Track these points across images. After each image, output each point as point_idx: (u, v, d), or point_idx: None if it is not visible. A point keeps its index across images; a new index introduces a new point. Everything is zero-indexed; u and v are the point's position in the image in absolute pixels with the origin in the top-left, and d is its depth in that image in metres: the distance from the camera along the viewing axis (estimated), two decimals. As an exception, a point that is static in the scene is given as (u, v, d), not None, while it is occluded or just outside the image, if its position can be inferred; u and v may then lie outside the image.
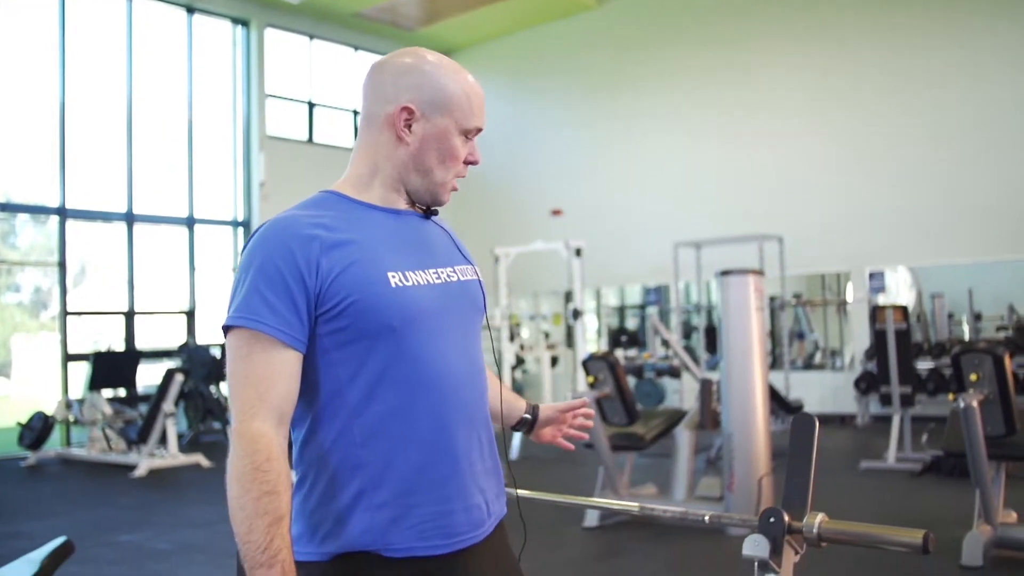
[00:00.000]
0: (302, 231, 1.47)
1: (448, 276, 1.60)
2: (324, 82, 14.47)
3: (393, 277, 1.50)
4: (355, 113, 14.75)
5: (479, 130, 1.62)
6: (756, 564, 1.87)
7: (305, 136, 14.08)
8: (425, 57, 1.60)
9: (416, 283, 1.53)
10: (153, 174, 12.37)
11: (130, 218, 11.96)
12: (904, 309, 8.29)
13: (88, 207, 11.72)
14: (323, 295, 1.45)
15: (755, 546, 1.87)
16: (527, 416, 1.94)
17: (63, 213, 11.31)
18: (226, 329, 1.46)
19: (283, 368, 1.43)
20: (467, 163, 1.62)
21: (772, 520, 1.90)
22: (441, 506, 1.50)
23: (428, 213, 1.68)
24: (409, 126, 1.57)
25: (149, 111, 12.30)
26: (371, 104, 1.60)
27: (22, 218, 11.96)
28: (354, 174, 1.62)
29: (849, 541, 1.87)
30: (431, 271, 1.57)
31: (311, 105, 14.16)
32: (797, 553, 1.93)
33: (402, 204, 1.63)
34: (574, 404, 1.96)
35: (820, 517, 1.88)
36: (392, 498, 1.48)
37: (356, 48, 14.86)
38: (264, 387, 1.41)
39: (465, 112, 1.60)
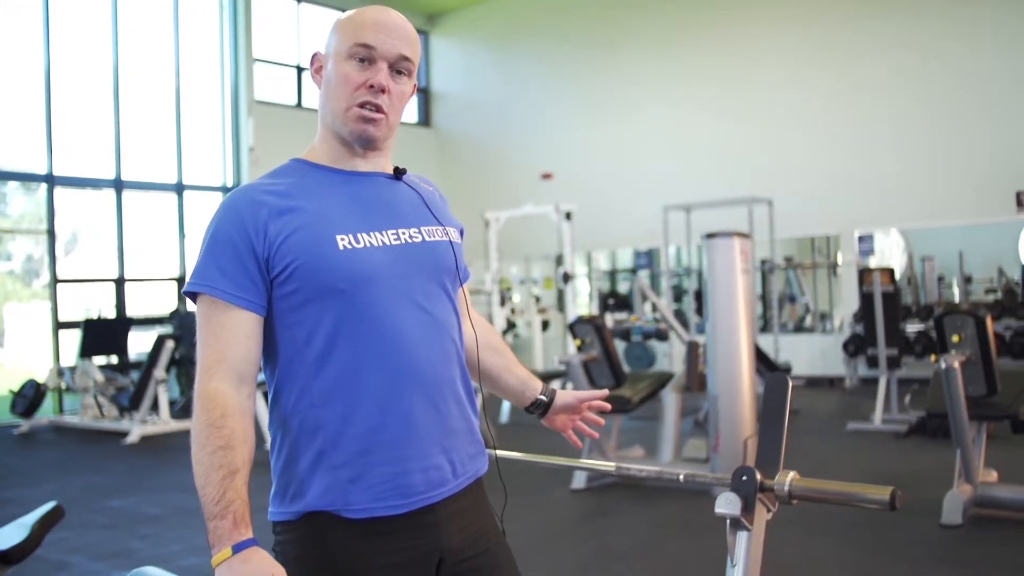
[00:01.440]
0: (254, 197, 1.52)
1: (411, 237, 1.60)
2: (312, 46, 14.31)
3: (342, 240, 1.51)
4: (344, 78, 14.65)
5: (367, 47, 1.58)
6: (728, 521, 1.90)
7: (294, 100, 14.00)
8: (349, 12, 1.64)
9: (368, 244, 1.54)
10: (141, 140, 12.30)
11: (119, 185, 11.91)
12: (891, 272, 8.33)
13: (76, 174, 11.66)
14: (272, 260, 1.49)
15: (727, 503, 1.90)
16: (542, 398, 1.92)
17: (51, 180, 11.26)
18: (190, 296, 1.51)
19: (239, 329, 1.48)
20: (370, 87, 1.57)
21: (744, 478, 1.93)
22: (396, 466, 1.52)
23: (397, 174, 1.69)
24: (320, 72, 1.63)
25: (136, 77, 12.20)
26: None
27: (12, 186, 11.90)
28: (316, 138, 1.66)
29: (819, 499, 1.90)
30: (390, 232, 1.58)
31: (299, 69, 14.07)
32: (769, 511, 1.96)
33: (360, 163, 1.63)
34: (593, 395, 1.92)
35: (791, 475, 1.91)
36: (349, 458, 1.50)
37: (343, 11, 14.63)
38: (221, 348, 1.46)
39: (348, 34, 1.59)
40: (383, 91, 1.58)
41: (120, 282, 11.88)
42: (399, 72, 1.62)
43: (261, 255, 1.48)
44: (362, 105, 1.58)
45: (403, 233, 1.59)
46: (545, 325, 13.19)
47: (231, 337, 1.47)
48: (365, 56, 1.58)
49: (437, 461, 1.58)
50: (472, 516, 1.66)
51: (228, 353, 1.46)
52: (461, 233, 1.74)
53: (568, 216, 11.52)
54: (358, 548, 1.50)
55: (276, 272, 1.49)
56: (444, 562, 1.58)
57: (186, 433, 5.95)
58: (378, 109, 1.58)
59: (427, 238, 1.63)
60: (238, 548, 1.36)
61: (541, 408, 1.92)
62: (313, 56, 1.65)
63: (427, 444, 1.56)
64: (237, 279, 1.48)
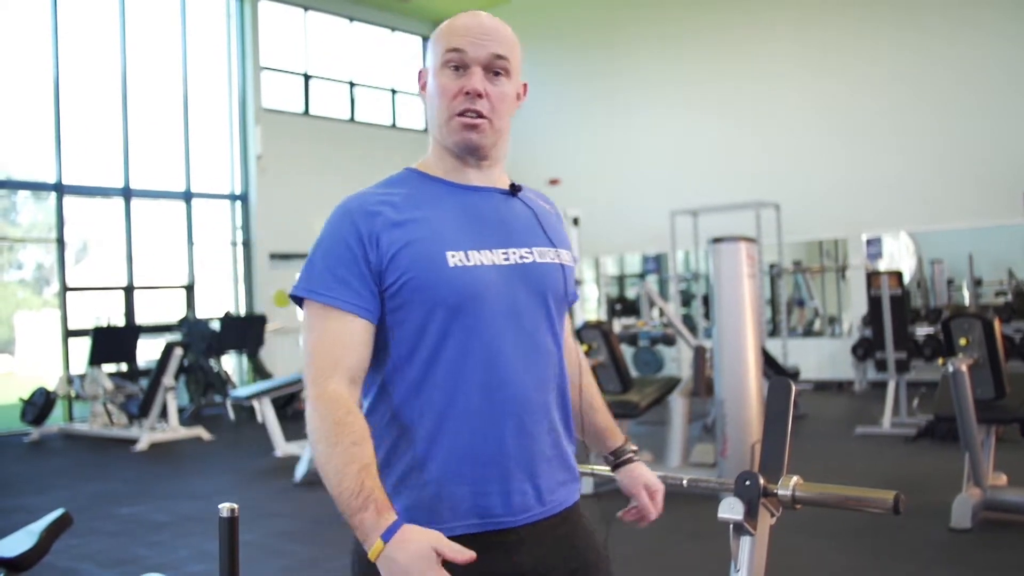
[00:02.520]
0: (368, 207, 1.52)
1: (521, 257, 1.57)
2: (320, 54, 14.40)
3: (453, 257, 1.50)
4: (351, 85, 14.69)
5: (458, 52, 1.54)
6: (732, 526, 1.90)
7: (301, 108, 14.04)
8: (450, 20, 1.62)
9: (479, 263, 1.52)
10: (149, 149, 12.35)
11: (127, 193, 11.96)
12: (899, 275, 8.31)
13: (85, 183, 11.72)
14: (384, 272, 1.49)
15: (730, 508, 1.90)
16: (608, 457, 1.86)
17: (60, 189, 11.32)
18: (297, 300, 1.52)
19: (353, 337, 1.48)
20: (465, 93, 1.54)
21: (747, 483, 1.93)
22: (478, 487, 1.50)
23: (512, 191, 1.65)
24: (424, 88, 1.63)
25: (144, 85, 12.27)
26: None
27: (23, 195, 11.96)
28: (429, 150, 1.66)
29: (823, 503, 1.90)
30: (500, 251, 1.55)
31: (307, 77, 14.11)
32: (773, 515, 1.96)
33: (474, 175, 1.61)
34: (643, 502, 1.83)
35: (795, 480, 1.91)
36: (435, 477, 1.49)
37: (351, 19, 14.78)
38: (337, 354, 1.46)
39: (441, 44, 1.58)
40: (480, 96, 1.54)
41: (129, 290, 11.92)
42: (496, 73, 1.57)
43: (374, 265, 1.49)
44: (462, 113, 1.55)
45: (513, 253, 1.56)
46: (553, 330, 13.15)
47: (346, 344, 1.47)
48: (458, 62, 1.55)
49: (521, 486, 1.54)
50: (562, 544, 1.62)
51: (343, 359, 1.46)
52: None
53: (575, 221, 11.50)
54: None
55: (386, 285, 1.49)
56: None
57: (195, 441, 6.01)
58: (479, 115, 1.54)
59: (538, 259, 1.59)
60: (387, 535, 1.31)
61: (609, 465, 1.87)
62: (419, 73, 1.64)
63: (512, 468, 1.53)
64: (352, 286, 1.48)
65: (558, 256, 1.63)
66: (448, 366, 1.49)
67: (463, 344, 1.49)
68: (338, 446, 1.37)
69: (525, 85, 1.67)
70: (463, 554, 1.30)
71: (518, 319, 1.54)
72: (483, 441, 1.50)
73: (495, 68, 1.57)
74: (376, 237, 1.48)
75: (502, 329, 1.52)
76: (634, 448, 1.84)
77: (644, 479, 1.80)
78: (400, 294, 1.48)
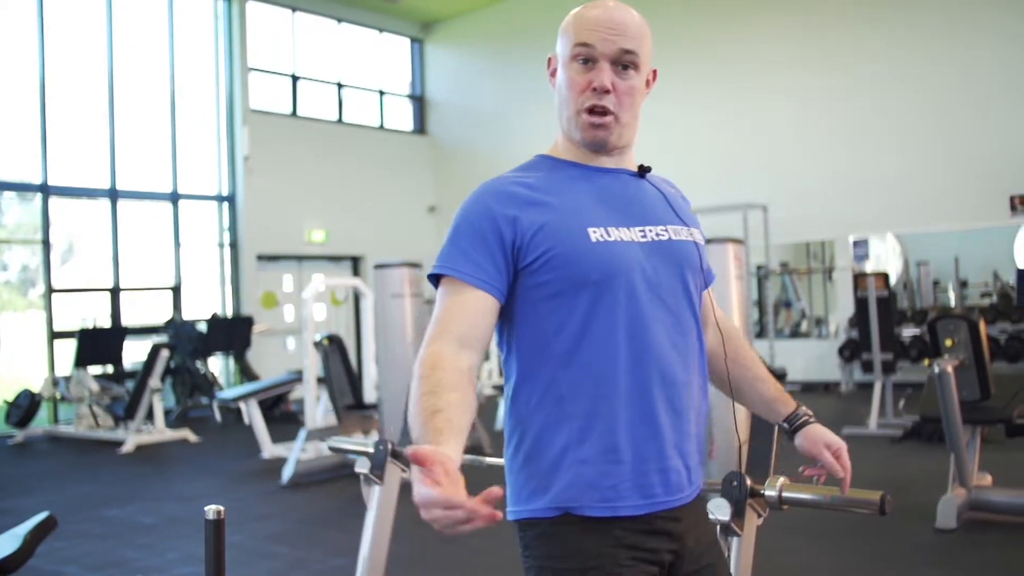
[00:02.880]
0: (503, 188, 1.56)
1: (657, 235, 1.58)
2: (308, 55, 14.37)
3: (594, 232, 1.51)
4: (339, 86, 14.67)
5: (587, 47, 1.56)
6: (719, 527, 1.91)
7: (289, 109, 14.00)
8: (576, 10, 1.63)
9: (619, 239, 1.53)
10: (136, 150, 12.30)
11: (114, 194, 11.90)
12: (885, 276, 8.34)
13: (71, 184, 11.66)
14: (524, 249, 1.50)
15: (718, 509, 1.91)
16: (784, 425, 1.80)
17: (46, 190, 11.26)
18: (433, 280, 1.55)
19: (472, 305, 1.49)
20: (593, 89, 1.56)
21: (735, 484, 1.94)
22: (637, 465, 1.50)
23: (641, 172, 1.67)
24: (554, 76, 1.64)
25: (131, 86, 12.21)
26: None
27: (8, 196, 11.89)
28: (558, 136, 1.68)
29: (809, 504, 1.91)
30: (637, 229, 1.57)
31: (295, 78, 14.08)
32: (760, 516, 1.97)
33: (605, 159, 1.63)
34: (831, 457, 1.72)
35: (781, 481, 1.92)
36: (594, 455, 1.49)
37: (339, 20, 14.75)
38: (447, 319, 1.48)
39: (570, 35, 1.59)
40: (607, 91, 1.55)
41: (115, 291, 11.87)
42: (624, 67, 1.57)
43: (510, 244, 1.50)
44: (590, 111, 1.56)
45: (650, 231, 1.58)
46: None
47: (461, 311, 1.48)
48: (587, 56, 1.56)
49: (675, 464, 1.55)
50: (703, 526, 1.65)
51: (453, 323, 1.47)
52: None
53: (563, 223, 11.51)
54: (602, 546, 1.47)
55: (528, 261, 1.50)
56: (678, 570, 1.55)
57: (182, 443, 5.96)
58: (604, 112, 1.56)
59: (673, 237, 1.60)
60: None
61: (786, 433, 1.82)
62: (548, 60, 1.66)
63: (665, 444, 1.53)
64: (479, 262, 1.49)
65: (691, 235, 1.65)
66: (600, 340, 1.49)
67: (612, 318, 1.50)
68: (418, 402, 1.37)
69: (655, 71, 1.67)
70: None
71: (660, 294, 1.55)
72: (640, 419, 1.51)
73: (623, 62, 1.57)
74: (513, 216, 1.50)
75: (647, 304, 1.53)
76: (809, 412, 1.78)
77: (824, 439, 1.73)
78: (544, 270, 1.50)
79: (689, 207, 1.73)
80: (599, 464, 1.48)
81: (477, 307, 1.48)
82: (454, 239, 1.53)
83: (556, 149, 1.66)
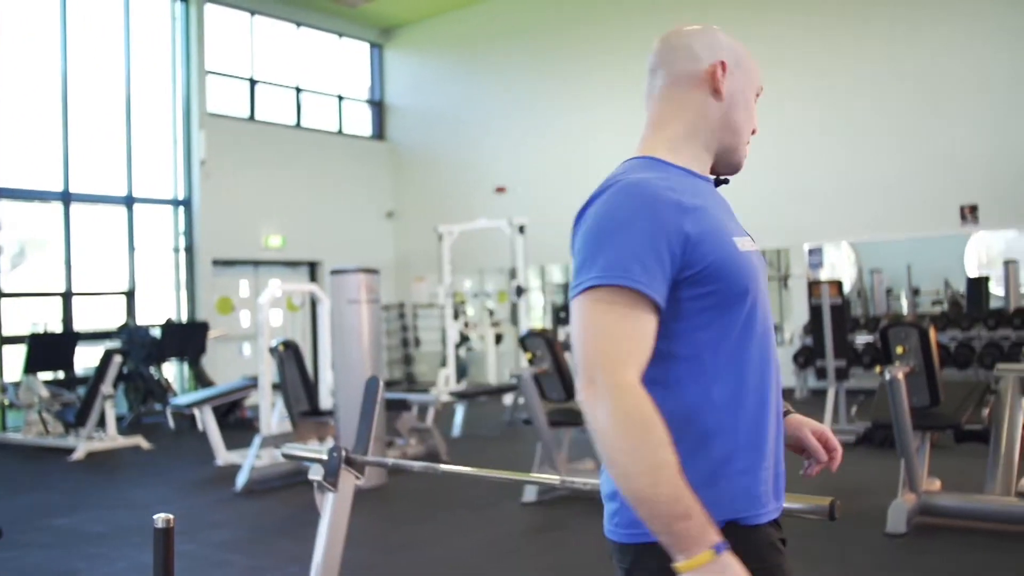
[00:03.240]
0: (665, 195, 1.45)
1: (751, 244, 1.58)
2: (266, 59, 14.27)
3: (738, 242, 1.51)
4: (298, 90, 14.59)
5: (761, 92, 1.67)
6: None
7: (247, 113, 13.90)
8: (711, 25, 1.68)
9: (747, 249, 1.53)
10: (90, 152, 12.13)
11: (67, 197, 11.72)
12: (839, 284, 8.45)
13: (23, 186, 11.46)
14: (688, 260, 1.42)
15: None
16: None
17: (-4, 192, 11.07)
18: (589, 288, 1.41)
19: (648, 328, 1.39)
20: (752, 132, 1.65)
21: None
22: (765, 473, 1.51)
23: (719, 181, 1.69)
24: (725, 80, 1.61)
25: (86, 87, 12.04)
26: (677, 65, 1.64)
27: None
28: (665, 136, 1.63)
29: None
30: (746, 238, 1.57)
31: (253, 82, 13.98)
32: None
33: (706, 170, 1.64)
34: (817, 431, 1.79)
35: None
36: (746, 466, 1.47)
37: (298, 24, 14.68)
38: (633, 344, 1.37)
39: (755, 73, 1.66)
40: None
41: (67, 296, 11.69)
42: None
43: (677, 253, 1.41)
44: (747, 143, 1.66)
45: (747, 241, 1.57)
46: (499, 339, 13.18)
47: (641, 334, 1.38)
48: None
49: (778, 476, 1.57)
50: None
51: (638, 350, 1.38)
52: None
53: (521, 230, 11.56)
54: (763, 555, 1.49)
55: (692, 271, 1.43)
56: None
57: (134, 450, 5.87)
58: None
59: (756, 247, 1.62)
60: (720, 549, 1.27)
61: None
62: (720, 62, 1.61)
63: (775, 459, 1.56)
64: (656, 276, 1.39)
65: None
66: (748, 351, 1.47)
67: (755, 329, 1.48)
68: (649, 444, 1.29)
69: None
70: None
71: (768, 303, 1.55)
72: (764, 432, 1.50)
73: None
74: (681, 224, 1.42)
75: (768, 313, 1.54)
76: (788, 405, 1.76)
77: (808, 424, 1.76)
78: (707, 280, 1.43)
79: None
80: (749, 476, 1.47)
81: (652, 331, 1.40)
82: (625, 244, 1.40)
83: (666, 151, 1.61)
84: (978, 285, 11.51)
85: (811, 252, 12.36)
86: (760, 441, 1.49)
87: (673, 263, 1.41)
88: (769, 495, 1.51)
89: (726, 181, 1.71)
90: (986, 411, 5.22)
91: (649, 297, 1.37)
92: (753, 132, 1.65)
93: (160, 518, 2.00)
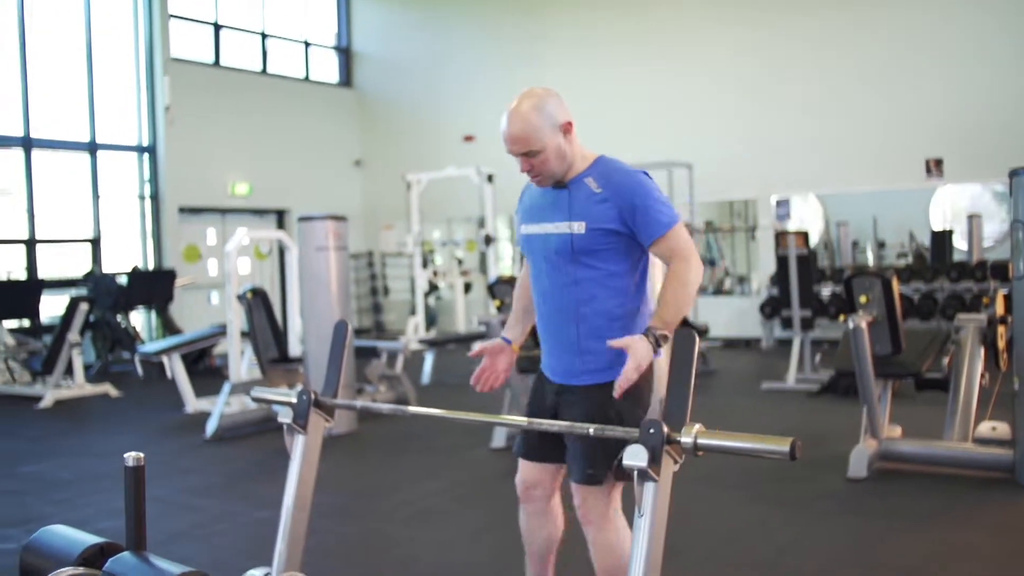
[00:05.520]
0: None
1: (551, 230, 2.63)
2: (231, 3, 14.00)
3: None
4: (263, 36, 14.35)
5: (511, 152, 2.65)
6: (636, 473, 1.96)
7: (212, 59, 13.67)
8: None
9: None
10: (52, 98, 11.89)
11: (28, 143, 11.52)
12: (805, 235, 8.52)
13: (-18, 131, 11.25)
14: None
15: (635, 456, 1.96)
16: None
17: (-45, 137, 10.85)
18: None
19: None
20: (523, 171, 2.66)
21: (652, 431, 1.99)
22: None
23: (559, 185, 2.62)
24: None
25: (45, 31, 11.76)
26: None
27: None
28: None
29: (724, 450, 1.97)
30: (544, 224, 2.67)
31: (217, 27, 13.73)
32: (676, 462, 2.02)
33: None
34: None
35: (697, 428, 1.97)
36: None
37: (264, -32, 14.40)
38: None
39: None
40: (529, 170, 2.58)
41: (31, 243, 11.54)
42: (530, 155, 2.52)
43: None
44: (529, 176, 2.64)
45: (547, 226, 2.75)
46: (467, 287, 13.21)
47: None
48: (514, 154, 2.58)
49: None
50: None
51: None
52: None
53: (490, 179, 11.54)
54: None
55: None
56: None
57: (102, 397, 5.88)
58: (536, 175, 2.59)
59: (552, 231, 2.72)
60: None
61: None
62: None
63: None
64: None
65: (569, 228, 2.56)
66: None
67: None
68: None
69: (569, 123, 2.54)
70: None
71: (546, 266, 2.76)
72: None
73: (528, 155, 2.52)
74: None
75: (540, 271, 2.84)
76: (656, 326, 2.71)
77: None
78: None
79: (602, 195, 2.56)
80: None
81: None
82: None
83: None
84: (942, 238, 11.66)
85: (778, 204, 12.44)
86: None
87: None
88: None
89: (564, 184, 2.62)
90: (946, 360, 5.33)
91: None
92: (524, 171, 2.62)
93: (131, 456, 2.01)
